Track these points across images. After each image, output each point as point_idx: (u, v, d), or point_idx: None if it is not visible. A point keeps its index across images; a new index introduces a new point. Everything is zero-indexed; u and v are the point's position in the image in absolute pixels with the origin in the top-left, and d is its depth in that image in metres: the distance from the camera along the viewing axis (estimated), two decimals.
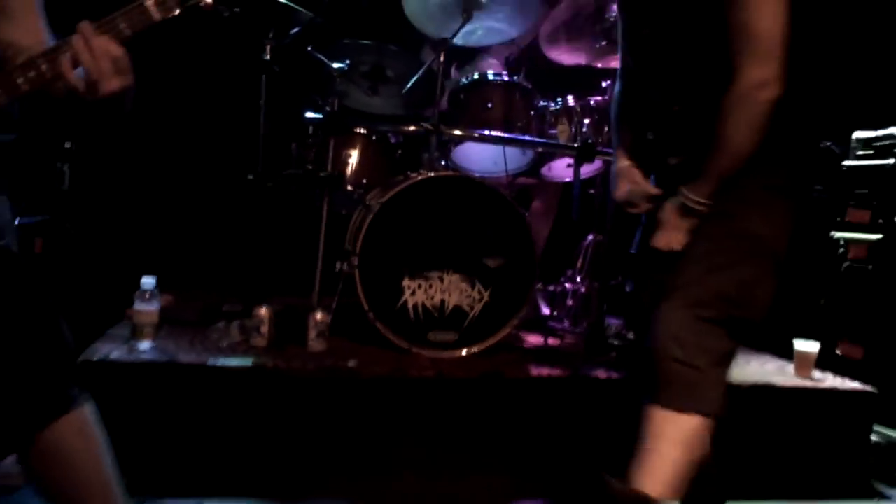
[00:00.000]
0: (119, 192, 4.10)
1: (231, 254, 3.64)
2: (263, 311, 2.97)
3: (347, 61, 3.47)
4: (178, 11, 1.50)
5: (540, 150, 3.51)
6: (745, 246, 1.92)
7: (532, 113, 3.51)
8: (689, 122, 2.01)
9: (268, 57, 3.40)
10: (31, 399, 1.51)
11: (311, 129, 3.44)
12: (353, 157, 3.45)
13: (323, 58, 3.43)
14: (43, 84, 1.50)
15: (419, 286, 3.03)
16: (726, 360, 1.91)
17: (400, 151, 3.59)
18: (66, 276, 3.48)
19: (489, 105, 3.44)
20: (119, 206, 4.09)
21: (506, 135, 3.38)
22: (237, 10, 2.98)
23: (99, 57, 1.46)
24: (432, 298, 3.04)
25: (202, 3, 1.50)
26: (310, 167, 3.40)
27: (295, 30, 3.34)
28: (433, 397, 2.75)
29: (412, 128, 3.30)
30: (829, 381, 3.17)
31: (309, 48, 3.46)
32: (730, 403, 1.88)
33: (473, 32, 3.52)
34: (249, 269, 3.42)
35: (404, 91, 3.54)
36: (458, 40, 3.36)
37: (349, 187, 3.42)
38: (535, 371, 2.89)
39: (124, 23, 1.49)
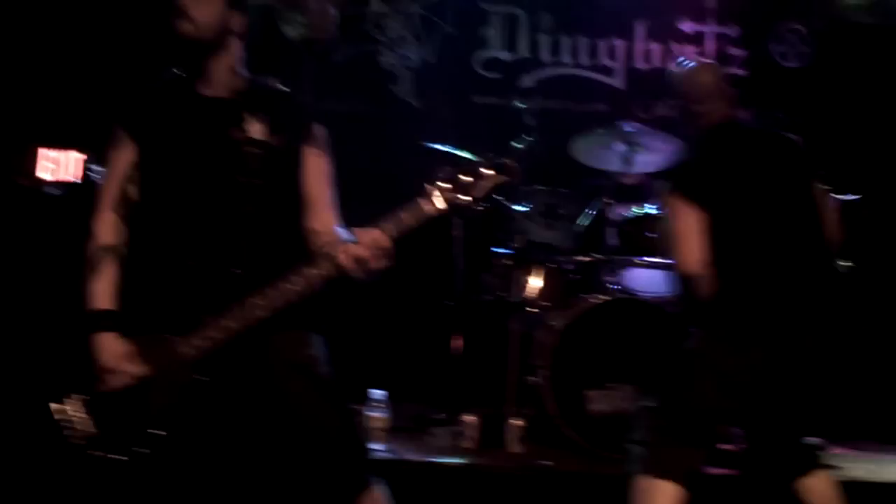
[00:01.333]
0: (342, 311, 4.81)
1: (433, 367, 4.22)
2: (470, 418, 3.52)
3: (527, 203, 4.09)
4: (445, 206, 2.12)
5: None
6: None
7: None
8: None
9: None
10: (343, 479, 2.10)
11: (499, 260, 4.05)
12: (535, 283, 4.02)
13: (506, 202, 4.07)
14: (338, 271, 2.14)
15: (602, 395, 3.50)
16: None
17: (575, 277, 4.13)
18: None
19: (653, 234, 3.95)
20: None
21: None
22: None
23: (372, 254, 2.08)
24: (614, 406, 3.50)
25: (468, 204, 2.11)
26: (499, 294, 3.99)
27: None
28: (622, 492, 3.18)
29: (587, 259, 3.85)
30: None
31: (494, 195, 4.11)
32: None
33: (633, 166, 4.05)
34: (450, 381, 4.00)
35: (576, 227, 4.11)
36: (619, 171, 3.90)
37: (533, 310, 3.98)
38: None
39: (406, 214, 2.12)
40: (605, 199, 3.89)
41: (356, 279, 2.15)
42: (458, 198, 2.12)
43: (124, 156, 2.29)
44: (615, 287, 3.93)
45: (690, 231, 2.65)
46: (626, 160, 3.79)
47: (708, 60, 3.02)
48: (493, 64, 5.18)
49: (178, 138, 2.28)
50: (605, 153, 3.93)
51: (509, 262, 4.00)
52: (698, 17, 5.14)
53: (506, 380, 3.82)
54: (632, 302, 3.63)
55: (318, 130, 2.38)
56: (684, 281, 2.69)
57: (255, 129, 2.24)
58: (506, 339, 3.90)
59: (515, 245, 3.93)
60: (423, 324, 4.64)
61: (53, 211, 4.15)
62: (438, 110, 5.04)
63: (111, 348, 2.12)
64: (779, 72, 5.12)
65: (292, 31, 4.44)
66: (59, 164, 4.49)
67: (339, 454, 2.08)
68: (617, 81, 5.19)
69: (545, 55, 5.18)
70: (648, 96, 5.12)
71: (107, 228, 2.26)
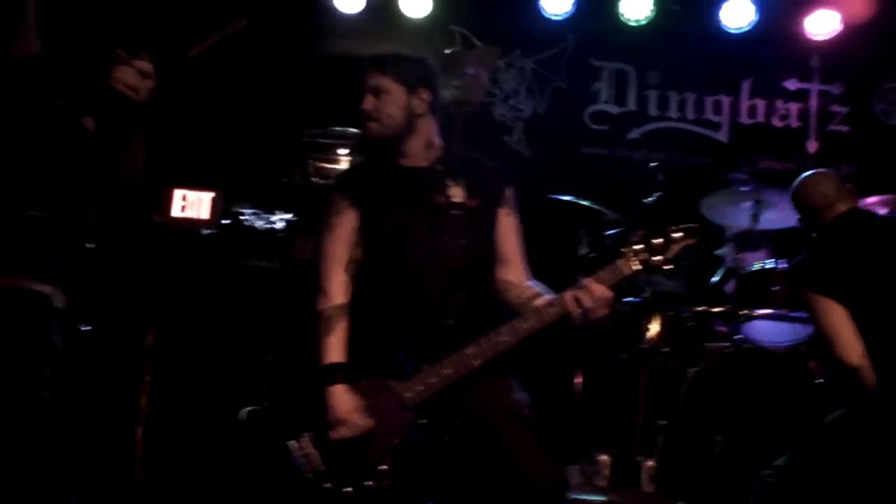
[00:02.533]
0: None
1: (557, 407, 4.44)
2: (604, 457, 3.74)
3: None
4: (640, 267, 2.36)
5: None
6: None
7: None
8: None
9: (584, 251, 4.32)
10: None
11: (623, 307, 4.27)
12: (657, 329, 4.23)
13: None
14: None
15: (727, 440, 3.69)
16: None
17: (693, 324, 4.34)
18: None
19: (774, 288, 4.14)
20: None
21: (792, 313, 4.06)
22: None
23: (598, 305, 2.33)
24: (739, 449, 3.68)
25: (665, 267, 2.35)
26: (620, 338, 4.21)
27: (610, 232, 4.25)
28: None
29: (717, 310, 4.06)
30: None
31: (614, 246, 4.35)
32: None
33: (759, 223, 4.23)
34: (575, 420, 4.21)
35: (697, 277, 4.33)
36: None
37: (656, 356, 4.19)
38: None
39: (605, 274, 2.37)
40: (726, 252, 4.11)
41: (577, 328, 2.39)
42: (651, 259, 2.36)
43: (347, 221, 2.57)
44: (737, 337, 4.13)
45: (842, 325, 2.76)
46: (754, 217, 4.00)
47: (823, 170, 3.20)
48: (601, 117, 5.44)
49: (389, 204, 2.55)
50: (732, 210, 4.14)
51: (627, 308, 4.20)
52: (803, 76, 5.36)
53: (631, 420, 4.03)
54: (760, 352, 3.82)
55: (510, 192, 2.64)
56: (845, 373, 2.76)
57: (456, 194, 2.50)
58: (625, 381, 4.11)
59: (645, 294, 4.15)
60: (546, 365, 4.86)
61: (206, 251, 4.44)
62: (549, 160, 5.32)
63: (343, 401, 2.37)
64: (881, 129, 5.32)
65: (446, 93, 4.75)
66: (192, 203, 4.77)
67: (549, 492, 2.28)
68: (721, 135, 5.42)
69: (652, 109, 5.43)
70: (752, 150, 5.35)
71: (338, 287, 2.52)
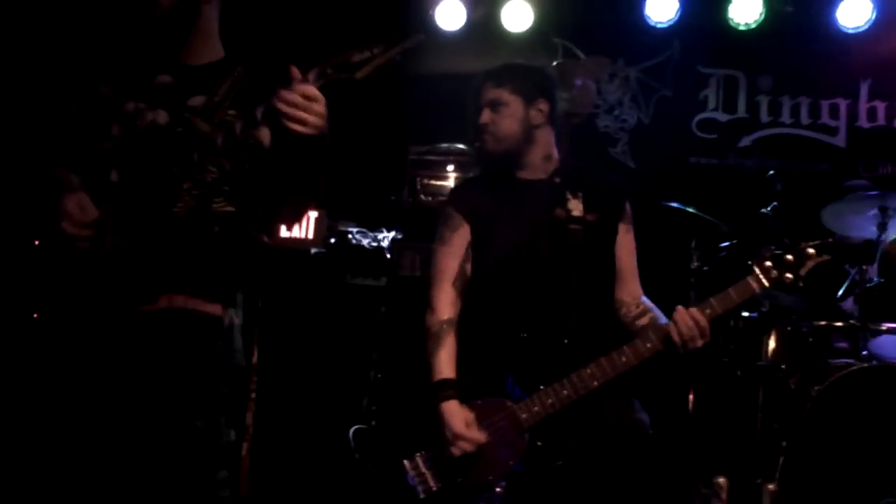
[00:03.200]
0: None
1: (671, 426, 4.30)
2: (721, 480, 3.59)
3: None
4: (771, 285, 2.25)
5: None
6: None
7: None
8: None
9: (696, 264, 4.17)
10: None
11: (738, 322, 4.10)
12: (775, 345, 4.05)
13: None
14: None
15: (853, 463, 3.48)
16: None
17: (812, 340, 4.13)
18: None
19: None
20: None
21: None
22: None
23: (695, 336, 2.23)
24: (864, 473, 3.47)
25: (792, 283, 2.23)
26: (735, 354, 4.05)
27: (724, 244, 4.10)
28: None
29: (839, 324, 3.86)
30: None
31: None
32: None
33: (887, 233, 3.99)
34: (695, 442, 4.06)
35: (816, 292, 4.12)
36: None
37: (775, 373, 4.00)
38: None
39: (734, 292, 2.27)
40: (847, 265, 3.90)
41: (676, 355, 2.31)
42: (785, 277, 2.25)
43: (460, 235, 2.54)
44: (863, 353, 3.90)
45: None
46: (881, 226, 3.78)
47: None
48: (709, 125, 5.28)
49: (506, 219, 2.51)
50: (855, 219, 3.93)
51: (754, 327, 4.04)
52: None
53: (749, 441, 3.86)
54: (889, 370, 3.60)
55: (629, 206, 2.57)
56: None
57: (575, 207, 2.45)
58: (741, 399, 3.94)
59: (763, 309, 3.98)
60: (658, 382, 4.73)
61: (314, 269, 4.52)
62: (655, 171, 5.18)
63: (457, 416, 2.34)
64: None
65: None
66: (299, 224, 4.86)
67: None
68: (839, 140, 5.17)
69: (764, 115, 5.23)
70: (873, 155, 5.08)
71: (447, 302, 2.50)
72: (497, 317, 2.48)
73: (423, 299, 3.62)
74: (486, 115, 2.51)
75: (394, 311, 3.76)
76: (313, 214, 4.69)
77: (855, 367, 3.60)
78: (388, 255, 4.23)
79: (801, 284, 2.25)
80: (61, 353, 1.95)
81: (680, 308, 2.28)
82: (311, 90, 1.80)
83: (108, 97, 2.09)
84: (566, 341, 2.35)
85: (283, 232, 4.76)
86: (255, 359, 4.09)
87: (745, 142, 5.23)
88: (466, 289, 2.52)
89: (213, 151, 1.91)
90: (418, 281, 3.72)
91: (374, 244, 4.34)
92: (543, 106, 2.55)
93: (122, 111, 2.06)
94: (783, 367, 3.99)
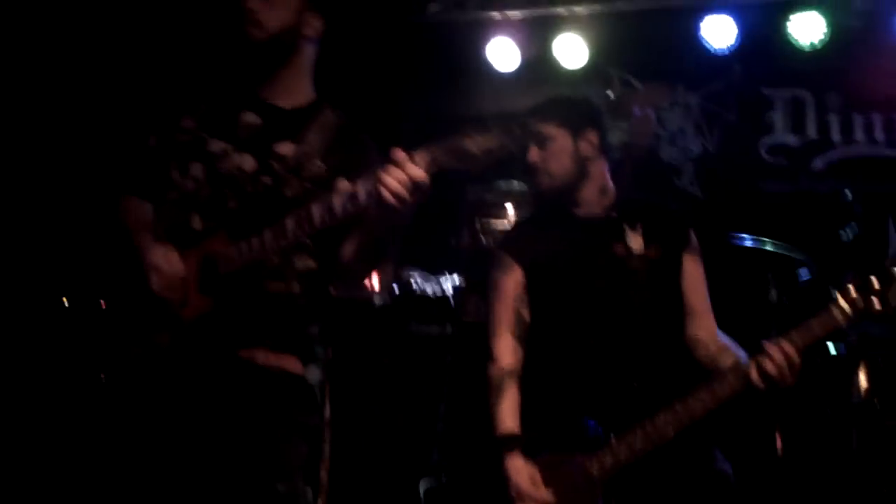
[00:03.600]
0: None
1: (761, 474, 4.06)
2: None
3: None
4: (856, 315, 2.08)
5: None
6: None
7: None
8: None
9: (775, 298, 3.96)
10: None
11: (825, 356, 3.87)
12: (866, 381, 3.80)
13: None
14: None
15: None
16: None
17: None
18: None
19: None
20: None
21: None
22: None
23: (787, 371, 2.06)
24: None
25: (881, 313, 2.06)
26: (831, 395, 3.81)
27: (804, 274, 3.89)
28: None
29: None
30: None
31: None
32: None
33: None
34: (784, 489, 3.82)
35: None
36: None
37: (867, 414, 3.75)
38: None
39: (816, 324, 2.10)
40: None
41: (760, 394, 2.15)
42: (871, 304, 2.08)
43: (513, 280, 2.43)
44: None
45: None
46: None
47: None
48: (779, 149, 5.08)
49: (563, 259, 2.40)
50: None
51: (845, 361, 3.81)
52: None
53: (844, 487, 3.61)
54: None
55: (692, 236, 2.43)
56: None
57: (634, 242, 2.32)
58: (833, 441, 3.70)
59: (851, 340, 3.75)
60: (740, 424, 4.51)
61: (379, 319, 4.45)
62: (725, 201, 5.00)
63: (522, 472, 2.22)
64: None
65: (613, 137, 4.60)
66: None
67: None
68: None
69: (836, 135, 5.01)
70: None
71: (507, 351, 2.40)
72: (562, 362, 2.36)
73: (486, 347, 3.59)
74: (533, 153, 2.42)
75: (459, 360, 3.65)
76: None
77: None
78: (452, 301, 4.14)
79: (891, 312, 2.07)
80: (137, 414, 1.93)
81: (767, 343, 2.12)
82: (421, 175, 1.71)
83: (191, 131, 2.03)
84: (636, 385, 2.21)
85: None
86: (327, 414, 4.08)
87: (818, 164, 5.00)
88: (527, 335, 2.40)
89: (308, 223, 1.85)
90: (484, 327, 3.61)
91: (438, 289, 4.26)
92: (592, 137, 2.45)
93: (206, 150, 2.01)
94: (877, 404, 3.75)
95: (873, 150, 4.96)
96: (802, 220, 4.76)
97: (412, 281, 4.35)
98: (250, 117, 2.04)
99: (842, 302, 2.10)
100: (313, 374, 2.05)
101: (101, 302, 2.01)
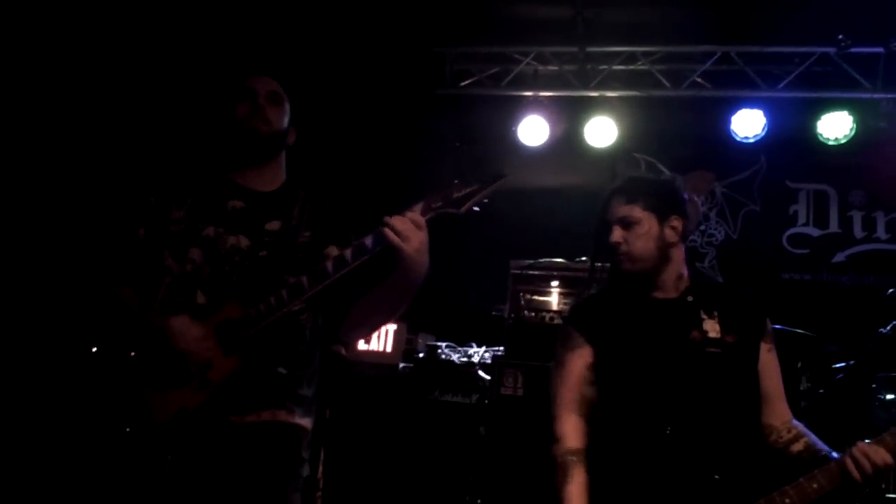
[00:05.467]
0: None
1: None
2: None
3: None
4: None
5: None
6: None
7: None
8: None
9: (806, 386, 3.96)
10: None
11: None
12: None
13: None
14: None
15: None
16: None
17: None
18: None
19: None
20: None
21: None
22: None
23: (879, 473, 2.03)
24: None
25: None
26: None
27: (839, 365, 3.89)
28: None
29: None
30: None
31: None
32: None
33: None
34: None
35: None
36: None
37: None
38: None
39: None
40: None
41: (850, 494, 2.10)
42: None
43: (581, 358, 2.33)
44: None
45: None
46: None
47: None
48: (801, 240, 5.15)
49: (637, 341, 2.33)
50: None
51: None
52: None
53: None
54: None
55: (769, 324, 2.39)
56: None
57: (712, 328, 2.29)
58: None
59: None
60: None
61: (402, 386, 4.38)
62: (745, 287, 5.02)
63: None
64: None
65: None
66: (376, 335, 4.73)
67: None
68: None
69: (858, 231, 5.09)
70: None
71: (572, 431, 2.25)
72: (633, 449, 2.26)
73: (524, 420, 3.53)
74: (617, 234, 2.35)
75: (494, 432, 3.58)
76: (392, 327, 4.59)
77: None
78: (481, 373, 4.09)
79: None
80: (149, 467, 2.04)
81: (860, 444, 2.06)
82: (419, 218, 2.00)
83: (183, 221, 2.24)
84: (717, 478, 2.14)
85: (361, 345, 4.70)
86: (320, 472, 3.97)
87: (840, 258, 5.07)
88: (593, 414, 2.31)
89: (323, 274, 2.05)
90: (520, 401, 3.56)
91: (465, 360, 4.21)
92: (677, 223, 2.38)
93: (201, 236, 2.20)
94: None
95: (894, 248, 5.04)
96: (823, 310, 4.81)
97: (438, 349, 4.31)
98: (236, 203, 2.27)
99: None
100: (308, 426, 2.20)
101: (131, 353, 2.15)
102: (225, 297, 2.12)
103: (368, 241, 2.03)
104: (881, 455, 2.02)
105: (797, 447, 2.25)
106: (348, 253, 2.04)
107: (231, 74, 2.40)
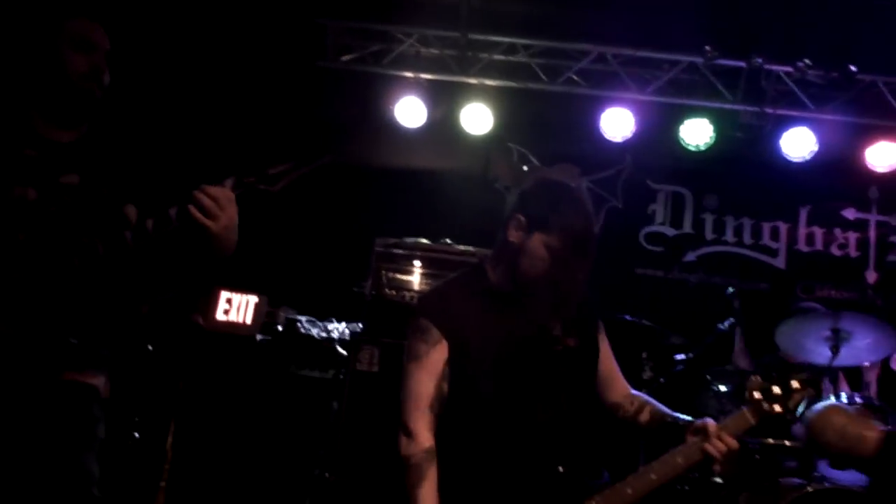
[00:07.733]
0: None
1: None
2: None
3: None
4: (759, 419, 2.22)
5: None
6: None
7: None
8: None
9: (649, 375, 4.17)
10: None
11: None
12: None
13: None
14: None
15: None
16: None
17: (759, 458, 4.13)
18: None
19: None
20: None
21: None
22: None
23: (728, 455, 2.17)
24: None
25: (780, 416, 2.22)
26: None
27: (679, 357, 4.11)
28: None
29: (790, 444, 3.87)
30: None
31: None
32: None
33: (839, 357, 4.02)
34: None
35: None
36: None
37: (720, 492, 3.97)
38: None
39: (731, 423, 2.22)
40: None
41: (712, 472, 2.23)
42: (774, 409, 2.22)
43: (440, 353, 2.28)
44: (815, 474, 3.91)
45: None
46: (833, 349, 3.83)
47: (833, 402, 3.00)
48: (656, 238, 5.40)
49: (489, 333, 2.34)
50: (808, 341, 3.95)
51: None
52: (861, 206, 5.34)
53: None
54: (842, 493, 3.61)
55: (601, 322, 2.50)
56: None
57: (555, 326, 2.36)
58: None
59: None
60: None
61: (260, 357, 4.33)
62: (602, 280, 5.21)
63: None
64: None
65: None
66: (236, 307, 4.64)
67: None
68: (779, 262, 5.35)
69: (709, 233, 5.39)
70: (811, 278, 5.26)
71: (426, 429, 2.22)
72: (482, 442, 2.26)
73: (378, 396, 3.54)
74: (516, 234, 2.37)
75: (348, 408, 3.59)
76: (252, 299, 4.50)
77: (809, 490, 3.59)
78: (339, 348, 4.08)
79: (789, 417, 2.23)
80: None
81: (713, 424, 2.20)
82: (229, 194, 1.92)
83: None
84: (561, 469, 2.22)
85: (220, 315, 4.60)
86: (169, 443, 3.89)
87: (690, 257, 5.36)
88: (444, 411, 2.27)
89: (85, 230, 1.97)
90: (375, 377, 3.58)
91: (324, 335, 4.19)
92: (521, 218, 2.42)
93: None
94: (730, 484, 3.97)
95: (740, 251, 5.36)
96: (671, 306, 5.08)
97: (298, 323, 4.26)
98: (30, 151, 2.11)
99: (753, 405, 2.23)
100: (104, 389, 2.12)
101: None
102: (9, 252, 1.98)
103: (173, 212, 1.93)
104: (729, 440, 2.17)
105: (644, 417, 2.38)
106: (150, 223, 1.93)
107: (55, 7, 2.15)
